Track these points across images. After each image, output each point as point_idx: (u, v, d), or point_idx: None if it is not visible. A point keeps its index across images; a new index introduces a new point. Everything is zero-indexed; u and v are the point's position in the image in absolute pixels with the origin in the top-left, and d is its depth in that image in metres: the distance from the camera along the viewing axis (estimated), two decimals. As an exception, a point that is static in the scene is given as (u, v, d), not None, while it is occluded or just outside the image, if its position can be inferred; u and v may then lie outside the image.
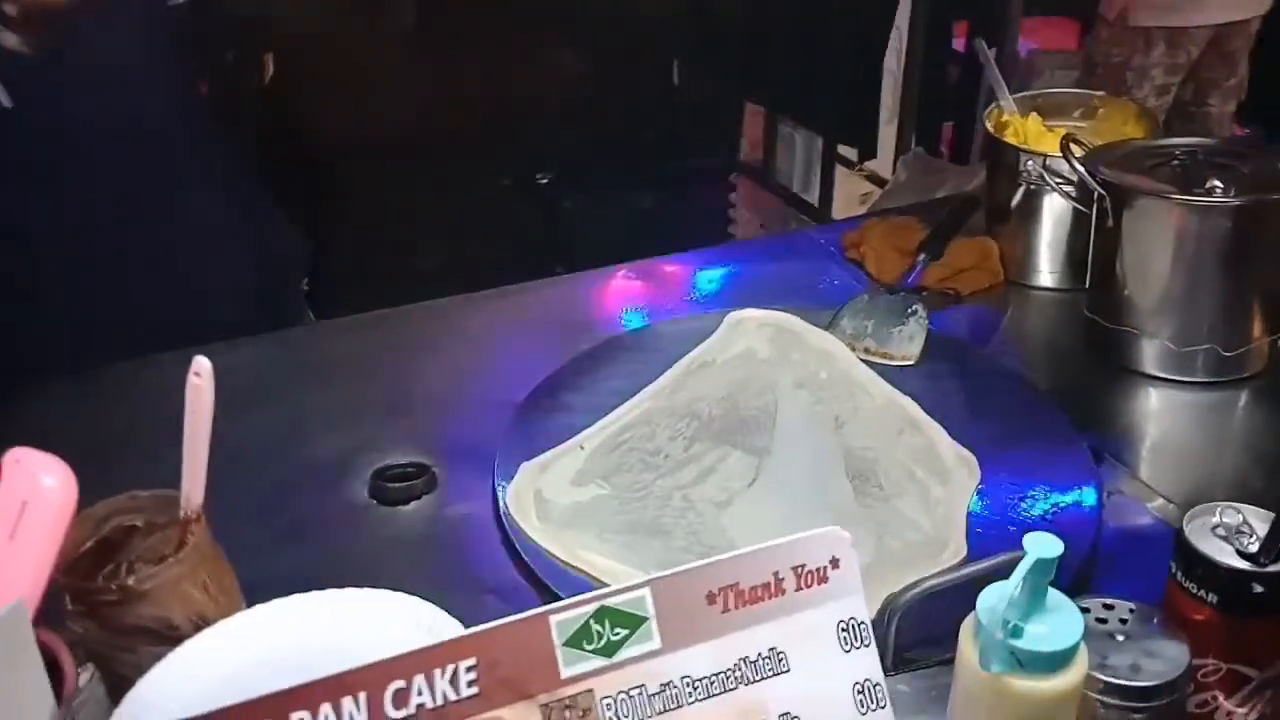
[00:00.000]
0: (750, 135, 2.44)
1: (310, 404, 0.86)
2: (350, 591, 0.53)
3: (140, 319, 0.95)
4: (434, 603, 0.67)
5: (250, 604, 0.66)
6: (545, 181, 2.49)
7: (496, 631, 0.44)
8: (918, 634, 0.62)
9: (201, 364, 0.52)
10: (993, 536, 0.72)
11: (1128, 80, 1.93)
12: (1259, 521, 0.49)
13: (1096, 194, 0.87)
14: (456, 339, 0.94)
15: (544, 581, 0.68)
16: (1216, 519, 0.50)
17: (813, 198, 2.25)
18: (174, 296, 0.98)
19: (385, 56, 2.17)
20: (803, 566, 0.46)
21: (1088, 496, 0.74)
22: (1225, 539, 0.49)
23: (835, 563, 0.47)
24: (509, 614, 0.67)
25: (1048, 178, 0.95)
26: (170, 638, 0.53)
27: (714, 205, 2.57)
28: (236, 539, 0.72)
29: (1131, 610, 0.50)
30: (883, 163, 2.18)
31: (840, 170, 2.22)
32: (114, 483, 0.58)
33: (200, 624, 0.53)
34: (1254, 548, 0.49)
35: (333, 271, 1.70)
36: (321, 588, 0.68)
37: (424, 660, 0.42)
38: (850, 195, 2.27)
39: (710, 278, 1.07)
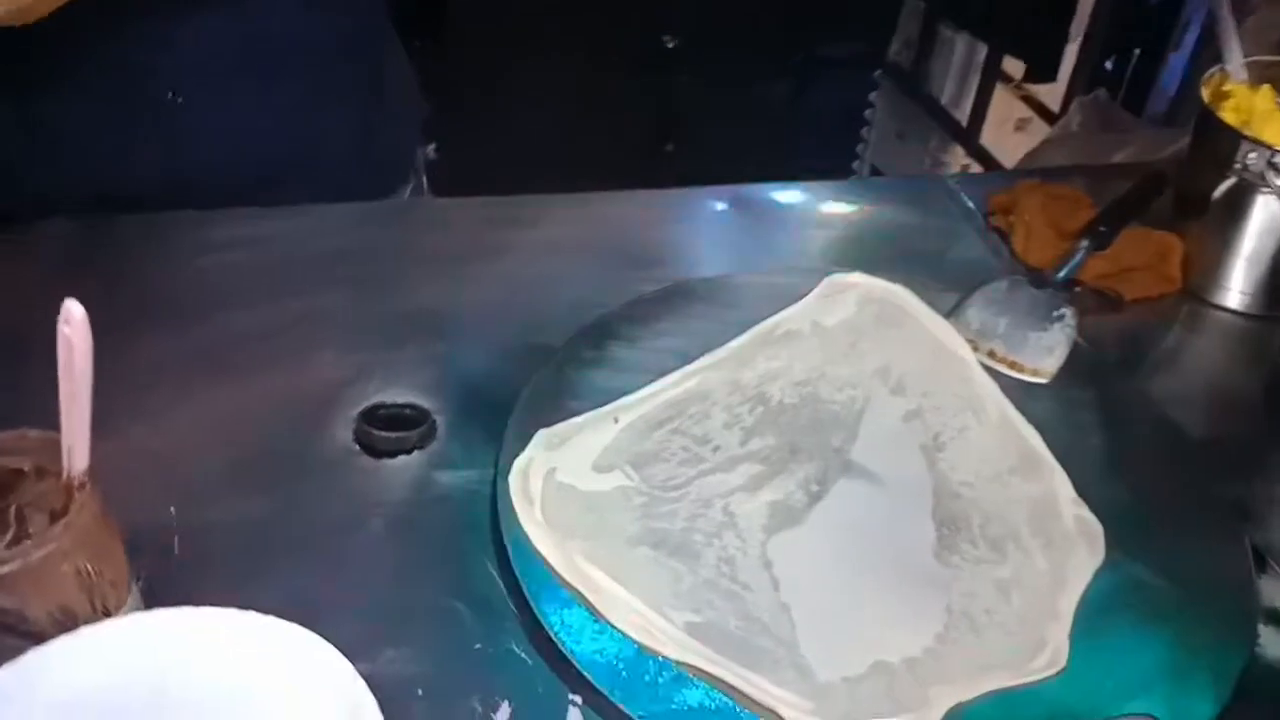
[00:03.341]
0: (904, 32, 2.17)
1: (314, 309, 0.72)
2: (233, 617, 0.41)
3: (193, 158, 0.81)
4: (389, 601, 0.56)
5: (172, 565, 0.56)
6: (672, 46, 2.28)
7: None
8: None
9: (71, 311, 0.39)
10: (1098, 644, 0.56)
11: None
12: None
13: (1337, 215, 0.66)
14: (499, 254, 0.79)
15: (528, 599, 0.55)
16: None
17: (962, 115, 1.99)
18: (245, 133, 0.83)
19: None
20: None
21: (1235, 623, 0.57)
22: None
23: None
24: (472, 633, 0.55)
25: (1269, 176, 0.74)
26: (27, 633, 0.42)
27: (850, 104, 2.32)
28: (181, 471, 0.61)
29: None
30: (1055, 90, 1.90)
31: (999, 89, 1.96)
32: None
33: (65, 623, 0.42)
34: None
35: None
36: (265, 550, 0.57)
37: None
38: (1004, 118, 2.01)
39: (818, 221, 0.89)
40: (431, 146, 1.07)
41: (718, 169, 0.92)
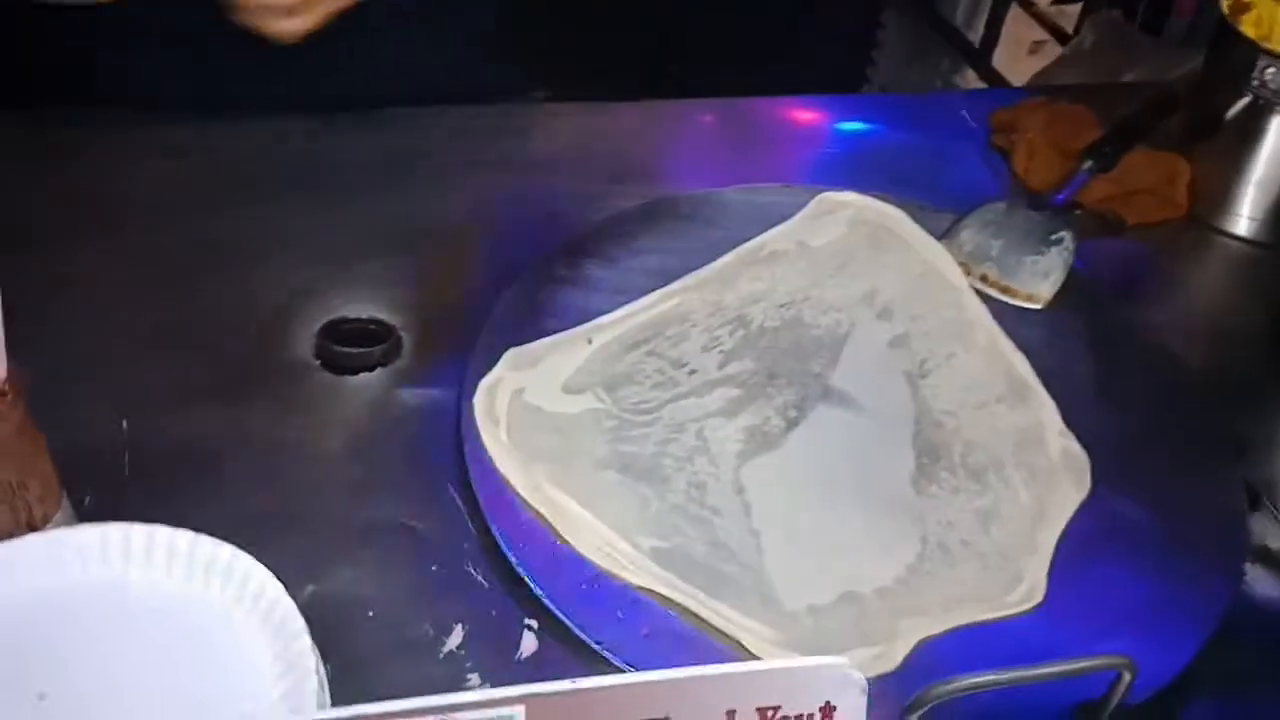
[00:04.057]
0: (920, -53, 2.08)
1: (277, 217, 0.69)
2: (161, 534, 0.39)
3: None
4: (345, 521, 0.54)
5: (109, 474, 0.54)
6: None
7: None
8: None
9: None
10: (1079, 581, 0.54)
11: None
12: None
13: (1357, 136, 0.62)
14: (475, 165, 0.76)
15: (487, 522, 0.53)
16: None
17: (975, 36, 1.92)
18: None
19: None
20: (775, 713, 0.30)
21: (1220, 561, 0.55)
22: None
23: (828, 712, 0.30)
24: (429, 555, 0.53)
25: (1290, 94, 0.70)
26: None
27: (860, 24, 2.24)
28: (134, 385, 0.59)
29: None
30: (1070, 12, 1.83)
31: (1015, 10, 1.88)
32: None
33: (-15, 538, 0.40)
34: None
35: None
36: (219, 467, 0.55)
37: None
38: (1019, 40, 1.93)
39: (812, 138, 0.85)
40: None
41: (722, 90, 0.88)
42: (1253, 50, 0.73)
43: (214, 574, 0.39)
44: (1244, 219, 0.77)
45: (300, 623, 0.37)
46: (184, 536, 0.39)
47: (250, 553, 0.50)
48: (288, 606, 0.37)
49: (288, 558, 0.51)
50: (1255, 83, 0.72)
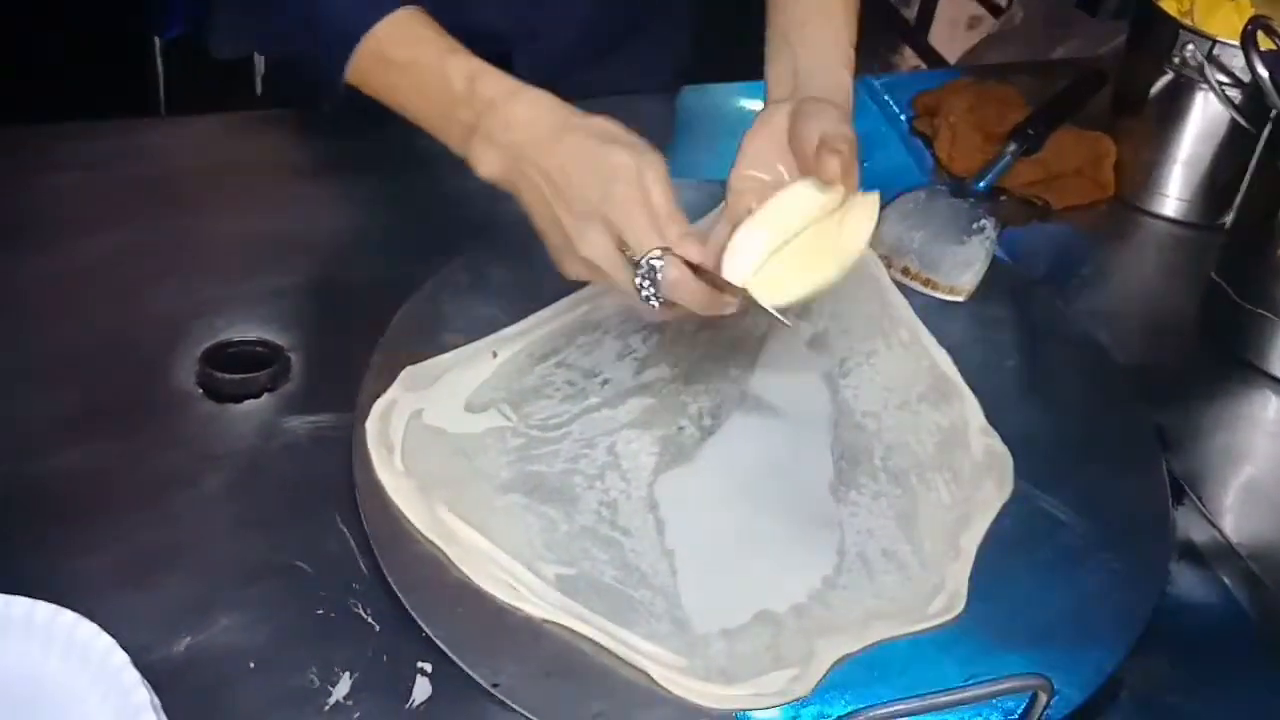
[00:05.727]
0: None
1: (155, 234, 0.65)
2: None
3: None
4: (226, 562, 0.51)
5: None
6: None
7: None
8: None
9: None
10: (1000, 587, 0.52)
11: None
12: None
13: (1275, 114, 0.61)
14: (366, 168, 0.72)
15: (377, 558, 0.50)
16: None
17: (911, 13, 1.90)
18: None
19: None
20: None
21: (1146, 564, 0.53)
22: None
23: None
24: (314, 596, 0.50)
25: (1209, 71, 0.68)
26: None
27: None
28: (10, 413, 0.55)
29: None
30: (1003, -16, 1.81)
31: (950, -14, 1.86)
32: None
33: None
34: None
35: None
36: (92, 507, 0.52)
37: None
38: (955, 18, 1.92)
39: (732, 126, 0.82)
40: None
41: (658, 70, 0.85)
42: (1174, 27, 0.71)
43: (53, 643, 0.35)
44: (1171, 199, 0.76)
45: (143, 696, 0.33)
46: (19, 604, 0.36)
47: (125, 601, 0.47)
48: (132, 679, 0.34)
49: (165, 605, 0.48)
50: (1176, 59, 0.70)
